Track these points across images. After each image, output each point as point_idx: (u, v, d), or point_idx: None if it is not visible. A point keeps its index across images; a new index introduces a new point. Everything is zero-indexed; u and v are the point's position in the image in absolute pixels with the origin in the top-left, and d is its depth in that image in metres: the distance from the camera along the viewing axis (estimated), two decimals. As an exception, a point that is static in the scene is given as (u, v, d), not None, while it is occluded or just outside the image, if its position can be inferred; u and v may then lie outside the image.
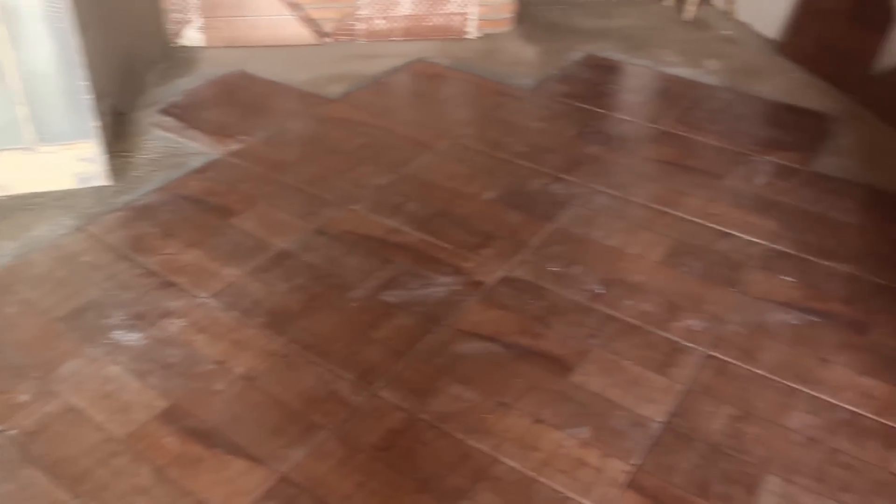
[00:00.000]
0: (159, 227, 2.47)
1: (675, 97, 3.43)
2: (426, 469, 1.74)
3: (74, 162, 2.60)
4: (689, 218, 2.60)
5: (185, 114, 3.12)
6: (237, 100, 3.26)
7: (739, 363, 2.04)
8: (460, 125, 3.13)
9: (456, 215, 2.57)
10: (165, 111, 3.13)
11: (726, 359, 2.05)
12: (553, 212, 2.59)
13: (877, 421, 1.91)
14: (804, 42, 3.79)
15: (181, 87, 3.33)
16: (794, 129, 3.23)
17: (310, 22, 3.72)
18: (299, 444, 1.79)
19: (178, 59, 3.55)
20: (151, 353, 2.01)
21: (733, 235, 2.53)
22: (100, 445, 1.77)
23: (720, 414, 1.90)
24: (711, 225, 2.57)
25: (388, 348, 2.06)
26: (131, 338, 2.06)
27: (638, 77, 3.64)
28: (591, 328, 2.13)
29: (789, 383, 2.00)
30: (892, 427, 1.90)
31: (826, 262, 2.43)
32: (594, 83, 3.51)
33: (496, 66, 3.62)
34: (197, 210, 2.56)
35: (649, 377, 1.99)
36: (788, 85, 3.60)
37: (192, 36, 3.65)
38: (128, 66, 3.20)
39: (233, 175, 2.75)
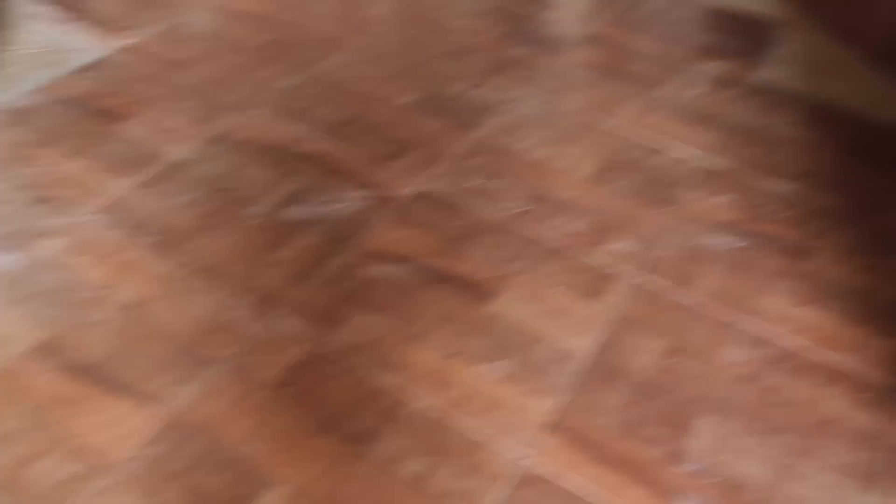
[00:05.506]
0: (36, 133, 2.20)
1: (610, -3, 3.21)
2: (329, 408, 1.58)
3: (-65, 56, 2.29)
4: (622, 130, 2.42)
5: (68, 2, 2.78)
6: (130, -12, 2.93)
7: (672, 292, 1.91)
8: (377, 21, 2.86)
9: (368, 122, 2.34)
10: (46, -1, 2.79)
11: (658, 286, 1.92)
12: (474, 120, 2.38)
13: (813, 355, 1.81)
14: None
15: (66, -29, 2.98)
16: (735, 35, 3.05)
17: None
18: (191, 380, 1.61)
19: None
20: (26, 277, 1.79)
21: (668, 150, 2.36)
22: (-44, 387, 1.56)
23: (651, 348, 1.77)
24: (645, 138, 2.40)
25: (290, 272, 1.86)
26: (4, 261, 1.82)
27: (571, -26, 3.40)
28: (513, 251, 1.96)
29: (725, 314, 1.87)
30: (830, 362, 1.80)
31: (767, 181, 2.29)
32: (525, -21, 3.26)
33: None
34: (80, 114, 2.28)
35: (576, 307, 1.84)
36: (728, -14, 3.41)
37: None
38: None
39: (122, 75, 2.46)
